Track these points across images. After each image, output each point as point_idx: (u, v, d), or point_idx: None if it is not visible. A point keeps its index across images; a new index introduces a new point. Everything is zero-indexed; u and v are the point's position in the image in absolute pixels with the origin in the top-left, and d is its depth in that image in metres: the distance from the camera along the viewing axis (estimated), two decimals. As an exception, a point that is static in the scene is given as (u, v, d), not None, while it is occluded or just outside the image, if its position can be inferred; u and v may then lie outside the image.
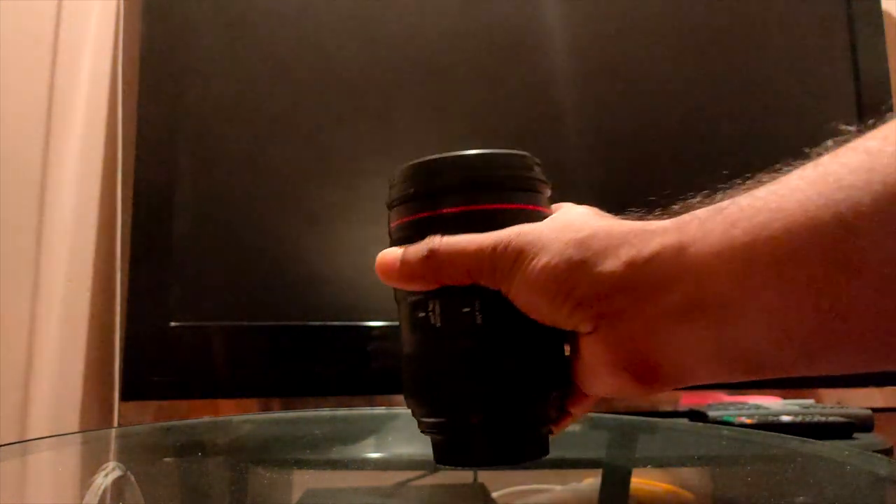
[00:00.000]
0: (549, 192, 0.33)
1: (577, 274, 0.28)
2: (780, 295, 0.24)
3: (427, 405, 0.31)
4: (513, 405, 0.30)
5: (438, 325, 0.30)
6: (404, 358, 0.32)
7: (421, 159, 0.31)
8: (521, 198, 0.31)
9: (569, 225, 0.30)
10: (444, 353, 0.30)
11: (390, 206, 0.33)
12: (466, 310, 0.30)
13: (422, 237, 0.30)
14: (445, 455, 0.31)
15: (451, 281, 0.30)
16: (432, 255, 0.30)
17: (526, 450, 0.31)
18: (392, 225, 0.32)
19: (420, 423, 0.32)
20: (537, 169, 0.32)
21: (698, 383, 0.28)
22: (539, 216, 0.31)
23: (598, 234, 0.29)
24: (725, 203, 0.26)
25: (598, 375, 0.29)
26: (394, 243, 0.32)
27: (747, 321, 0.25)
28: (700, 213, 0.27)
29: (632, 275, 0.27)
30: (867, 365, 0.24)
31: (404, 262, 0.31)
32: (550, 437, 0.32)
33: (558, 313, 0.29)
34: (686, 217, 0.28)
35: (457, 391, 0.30)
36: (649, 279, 0.27)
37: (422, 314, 0.31)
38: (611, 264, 0.28)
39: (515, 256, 0.29)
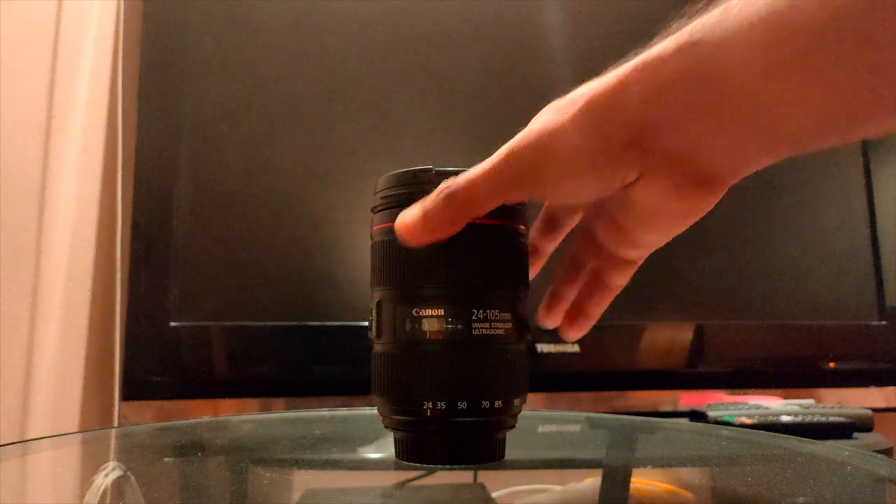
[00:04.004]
0: (526, 213, 0.34)
1: (606, 125, 0.27)
2: (812, 73, 0.23)
3: (392, 403, 0.32)
4: (475, 409, 0.31)
5: (410, 329, 0.31)
6: (374, 356, 0.33)
7: (403, 169, 0.33)
8: (497, 215, 0.32)
9: (558, 103, 0.29)
10: (414, 356, 0.31)
11: (374, 211, 0.34)
12: (437, 318, 0.31)
13: (399, 242, 0.31)
14: (405, 453, 0.33)
15: (477, 211, 0.30)
16: (452, 194, 0.29)
17: (484, 453, 0.32)
18: (374, 228, 0.34)
19: (384, 420, 0.33)
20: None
21: (753, 170, 0.27)
22: (514, 231, 0.32)
23: (597, 86, 0.28)
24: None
25: (659, 213, 0.29)
26: (374, 245, 0.33)
27: (784, 105, 0.24)
28: (691, 21, 0.26)
29: (655, 94, 0.26)
30: None
31: (427, 214, 0.30)
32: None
33: (603, 173, 0.27)
34: (676, 28, 0.26)
35: (422, 393, 0.31)
36: (673, 90, 0.25)
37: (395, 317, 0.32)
38: (633, 95, 0.26)
39: (535, 148, 0.28)
